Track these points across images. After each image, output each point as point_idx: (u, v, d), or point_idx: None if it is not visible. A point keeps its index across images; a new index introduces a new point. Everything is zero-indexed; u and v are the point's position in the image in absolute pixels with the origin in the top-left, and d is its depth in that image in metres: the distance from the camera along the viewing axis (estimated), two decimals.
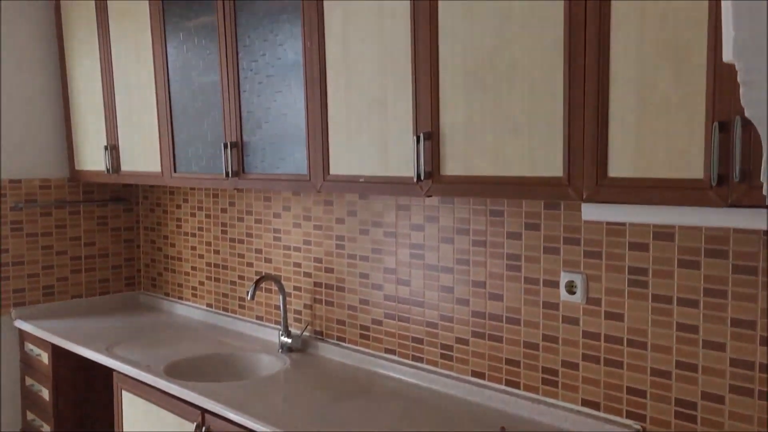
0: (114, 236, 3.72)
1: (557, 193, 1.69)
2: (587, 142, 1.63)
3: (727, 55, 0.69)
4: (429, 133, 1.94)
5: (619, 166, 1.58)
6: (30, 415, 3.38)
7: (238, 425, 2.16)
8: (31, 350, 3.32)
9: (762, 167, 0.68)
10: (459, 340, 2.35)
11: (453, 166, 1.91)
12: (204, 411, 2.31)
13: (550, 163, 1.70)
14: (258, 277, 2.88)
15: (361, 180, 2.17)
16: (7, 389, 3.42)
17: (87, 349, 2.90)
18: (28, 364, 3.38)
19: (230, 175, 2.60)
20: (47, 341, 3.16)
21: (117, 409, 2.74)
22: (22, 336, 3.40)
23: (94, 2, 3.21)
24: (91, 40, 3.26)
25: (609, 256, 1.95)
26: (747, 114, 0.71)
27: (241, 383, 2.53)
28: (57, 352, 3.13)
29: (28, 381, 3.37)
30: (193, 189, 3.39)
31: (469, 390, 2.29)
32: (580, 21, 1.61)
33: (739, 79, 0.69)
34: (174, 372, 2.60)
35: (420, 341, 2.47)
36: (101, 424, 3.18)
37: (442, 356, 2.40)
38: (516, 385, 2.20)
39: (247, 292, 2.78)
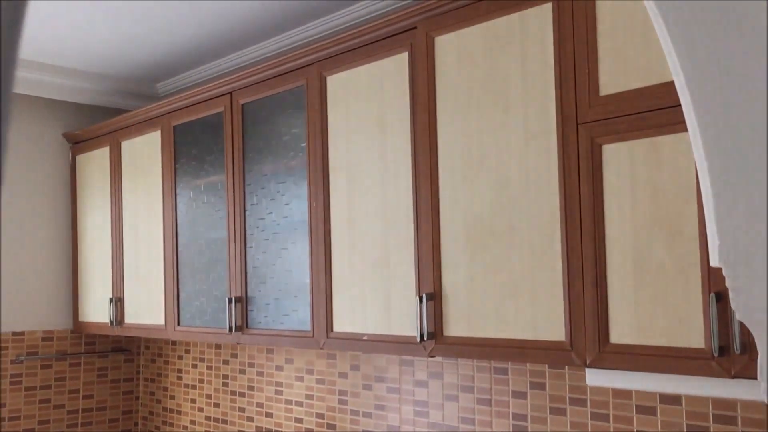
0: (113, 388, 3.67)
1: (560, 358, 1.69)
2: (588, 306, 1.65)
3: (714, 261, 0.72)
4: (432, 294, 1.97)
5: (620, 333, 1.59)
6: None
7: None
8: None
9: (758, 368, 0.69)
10: None
11: (456, 327, 1.92)
12: None
13: (552, 327, 1.71)
14: None
15: (364, 338, 2.17)
16: None
17: None
18: None
19: (233, 330, 2.61)
20: None
21: None
22: None
23: (108, 158, 3.34)
24: (103, 193, 3.37)
25: (616, 419, 1.92)
26: (738, 317, 0.73)
27: None
28: None
29: None
30: (196, 340, 3.38)
31: None
32: (575, 190, 1.68)
33: (727, 284, 0.72)
34: None
35: None
36: None
37: None
38: None
39: None
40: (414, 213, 2.04)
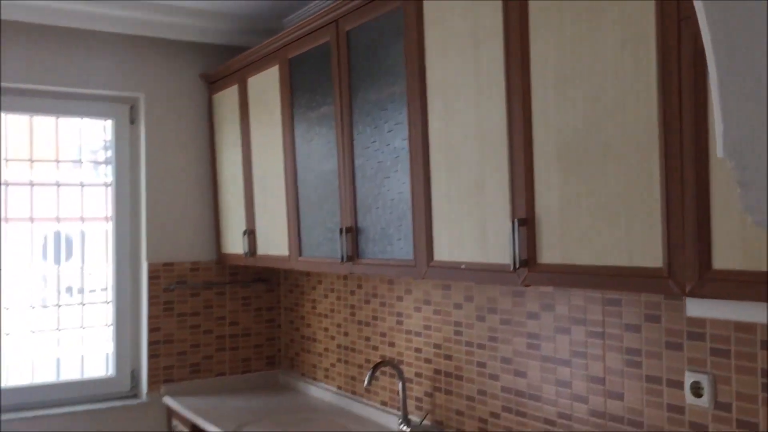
0: (257, 316, 3.87)
1: (657, 286, 1.52)
2: (688, 229, 1.45)
3: (720, 151, 0.56)
4: (524, 219, 1.84)
5: (724, 258, 1.39)
6: None
7: None
8: (176, 427, 3.49)
9: None
10: None
11: (550, 253, 1.78)
12: None
13: (649, 253, 1.53)
14: (375, 364, 2.84)
15: (462, 267, 2.09)
16: None
17: (217, 429, 2.98)
18: None
19: (345, 260, 2.62)
20: (188, 419, 3.30)
21: None
22: (169, 412, 3.58)
23: (237, 95, 3.45)
24: (235, 130, 3.50)
25: (738, 355, 1.71)
26: (752, 221, 0.57)
27: None
28: (197, 430, 3.26)
29: None
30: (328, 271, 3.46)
31: None
32: (675, 99, 1.46)
33: (735, 180, 0.57)
34: None
35: None
36: None
37: None
38: None
39: (365, 379, 2.74)
40: (507, 133, 1.90)
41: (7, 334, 3.46)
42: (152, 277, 3.62)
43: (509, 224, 1.88)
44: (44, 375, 3.55)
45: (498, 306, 2.44)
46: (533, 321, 2.30)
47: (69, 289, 3.74)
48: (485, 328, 2.50)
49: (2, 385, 3.40)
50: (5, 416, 3.31)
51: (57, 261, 3.69)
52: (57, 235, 3.68)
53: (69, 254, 3.76)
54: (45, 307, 3.60)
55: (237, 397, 3.57)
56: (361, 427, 2.95)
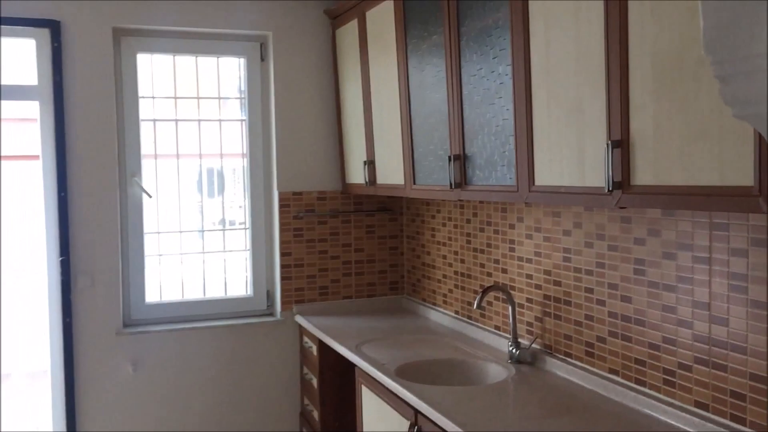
0: (380, 243, 4.05)
1: (747, 204, 1.48)
2: None
3: (702, 48, 0.57)
4: (618, 141, 1.82)
5: None
6: (306, 401, 3.84)
7: (442, 429, 2.23)
8: (306, 343, 3.78)
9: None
10: (682, 366, 2.14)
11: (643, 175, 1.77)
12: (417, 411, 2.43)
13: (740, 171, 1.49)
14: (485, 287, 2.92)
15: (561, 191, 2.11)
16: (290, 377, 3.92)
17: (340, 345, 3.21)
18: (304, 355, 3.85)
19: (453, 187, 2.70)
20: (316, 336, 3.57)
21: (358, 400, 3.00)
22: (300, 330, 3.88)
23: (357, 29, 3.55)
24: (355, 64, 3.61)
25: None
26: (734, 114, 0.58)
27: (460, 389, 2.59)
28: (323, 345, 3.52)
29: (304, 370, 3.83)
30: (444, 200, 3.55)
31: (690, 421, 2.07)
32: None
33: (714, 75, 0.57)
34: (405, 372, 2.76)
35: (642, 363, 2.29)
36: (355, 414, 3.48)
37: (665, 382, 2.20)
38: (741, 422, 1.93)
39: (475, 302, 2.84)
40: (605, 57, 1.87)
41: (160, 255, 3.86)
42: (283, 206, 3.87)
43: (604, 147, 1.87)
44: (193, 293, 3.94)
45: (606, 232, 2.43)
46: (640, 247, 2.28)
47: (214, 217, 4.10)
48: (593, 254, 2.50)
49: (158, 300, 3.82)
50: (158, 327, 3.73)
51: (201, 192, 4.03)
52: (201, 168, 4.01)
53: (212, 186, 4.10)
54: (193, 232, 3.97)
55: (361, 318, 3.79)
56: (474, 349, 3.06)
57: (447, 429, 2.19)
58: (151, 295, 3.82)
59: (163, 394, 3.71)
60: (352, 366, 3.09)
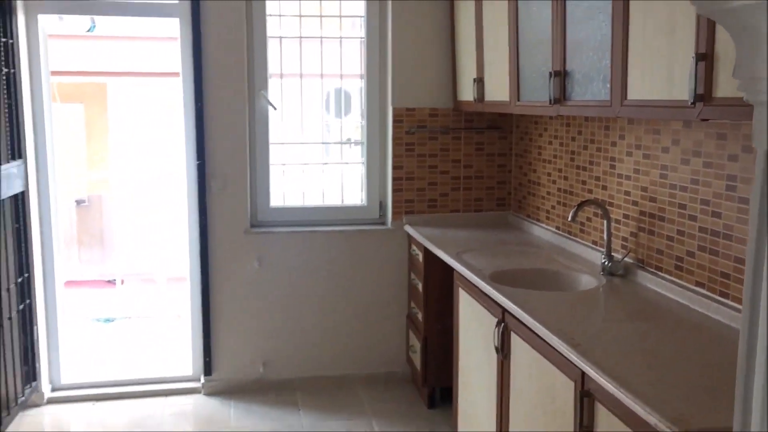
0: (489, 161, 4.20)
1: None
2: None
3: None
4: (703, 54, 1.87)
5: None
6: (412, 304, 4.13)
7: (524, 325, 2.43)
8: (414, 251, 4.04)
9: None
10: None
11: (724, 88, 1.82)
12: (504, 310, 2.63)
13: None
14: (580, 201, 3.03)
15: (650, 104, 2.18)
16: (399, 282, 4.22)
17: (443, 252, 3.44)
18: (411, 262, 4.12)
19: (553, 102, 2.79)
20: (422, 244, 3.81)
21: (456, 302, 3.24)
22: (409, 239, 4.14)
23: None
24: None
25: None
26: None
27: (548, 293, 2.76)
28: (428, 253, 3.76)
29: (411, 276, 4.11)
30: (551, 118, 3.63)
31: None
32: None
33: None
34: (498, 277, 2.95)
35: (727, 276, 2.36)
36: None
37: None
38: None
39: (570, 215, 2.96)
40: None
41: (284, 165, 4.21)
42: (396, 121, 4.08)
43: (691, 61, 1.93)
44: (312, 200, 4.28)
45: (702, 149, 2.47)
46: (733, 163, 2.32)
47: (336, 135, 4.38)
48: (688, 171, 2.55)
49: (281, 204, 4.19)
50: (281, 229, 4.11)
51: (327, 110, 4.31)
52: (322, 87, 4.28)
53: (339, 106, 4.37)
54: (314, 144, 4.28)
55: (466, 230, 3.99)
56: (569, 261, 3.20)
57: (529, 325, 2.38)
58: (276, 200, 4.19)
59: (285, 287, 4.12)
60: (453, 273, 3.32)
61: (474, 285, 2.95)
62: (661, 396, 1.71)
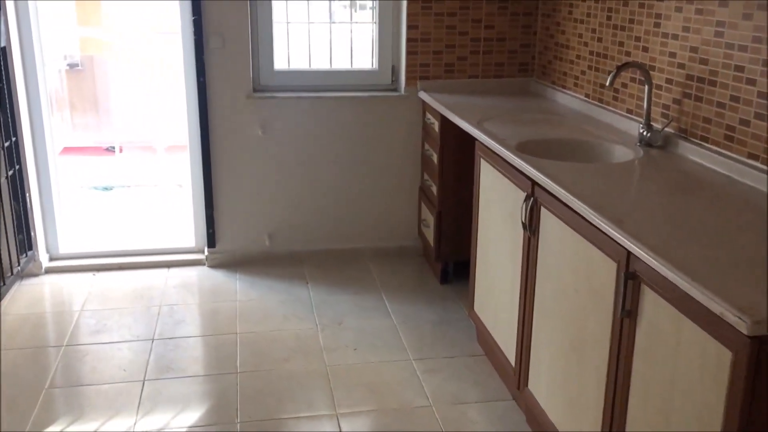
0: (512, 21, 3.83)
1: None
2: None
3: None
4: None
5: None
6: (425, 176, 3.90)
7: (558, 199, 2.20)
8: (428, 119, 3.76)
9: None
10: None
11: None
12: (534, 183, 2.40)
13: None
14: (620, 64, 2.72)
15: None
16: (412, 152, 3.97)
17: (462, 120, 3.17)
18: (426, 132, 3.85)
19: None
20: (438, 112, 3.53)
21: (476, 174, 3.01)
22: (424, 106, 3.85)
23: None
24: None
25: None
26: None
27: (581, 165, 2.52)
28: (445, 122, 3.49)
29: (425, 146, 3.85)
30: None
31: None
32: None
33: None
34: (525, 148, 2.70)
35: None
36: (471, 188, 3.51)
37: None
38: None
39: (608, 79, 2.67)
40: None
41: (288, 23, 3.85)
42: None
43: None
44: (319, 63, 3.96)
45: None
46: None
47: None
48: (750, 27, 2.23)
49: (286, 67, 3.87)
50: (286, 94, 3.81)
51: None
52: None
53: None
54: (321, 0, 3.90)
55: (486, 98, 3.70)
56: (600, 131, 2.93)
57: (564, 200, 2.15)
58: (280, 63, 3.87)
59: (291, 157, 3.88)
60: (471, 142, 3.07)
61: (499, 156, 2.70)
62: (724, 280, 1.51)
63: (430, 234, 3.80)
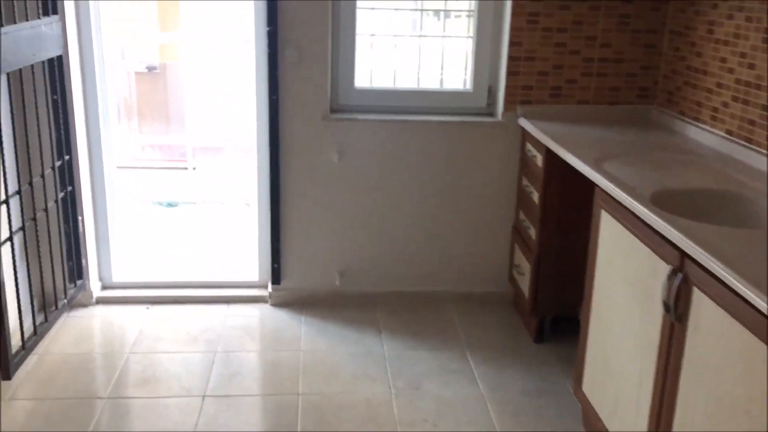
0: (634, 38, 3.27)
1: None
2: None
3: None
4: None
5: None
6: (522, 215, 3.38)
7: (721, 282, 1.66)
8: (529, 150, 3.25)
9: None
10: None
11: None
12: (684, 255, 1.86)
13: None
14: None
15: None
16: (506, 185, 3.46)
17: (575, 158, 2.65)
18: (525, 164, 3.33)
19: None
20: (542, 144, 3.01)
21: (594, 228, 2.48)
22: (524, 135, 3.34)
23: None
24: None
25: None
26: None
27: (748, 231, 1.96)
28: (550, 155, 2.97)
29: (524, 182, 3.34)
30: None
31: None
32: None
33: None
34: (662, 201, 2.17)
35: None
36: (581, 238, 2.98)
37: None
38: None
39: None
40: None
41: (373, 35, 3.41)
42: None
43: None
44: (405, 82, 3.50)
45: None
46: None
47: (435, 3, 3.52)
48: None
49: (367, 85, 3.43)
50: (367, 116, 3.36)
51: None
52: None
53: None
54: (412, 12, 3.44)
55: (598, 128, 3.16)
56: (756, 180, 2.36)
57: (730, 285, 1.61)
58: (361, 80, 3.43)
59: (369, 186, 3.43)
60: (582, 182, 2.55)
61: (628, 210, 2.17)
62: None
63: (524, 282, 3.28)
